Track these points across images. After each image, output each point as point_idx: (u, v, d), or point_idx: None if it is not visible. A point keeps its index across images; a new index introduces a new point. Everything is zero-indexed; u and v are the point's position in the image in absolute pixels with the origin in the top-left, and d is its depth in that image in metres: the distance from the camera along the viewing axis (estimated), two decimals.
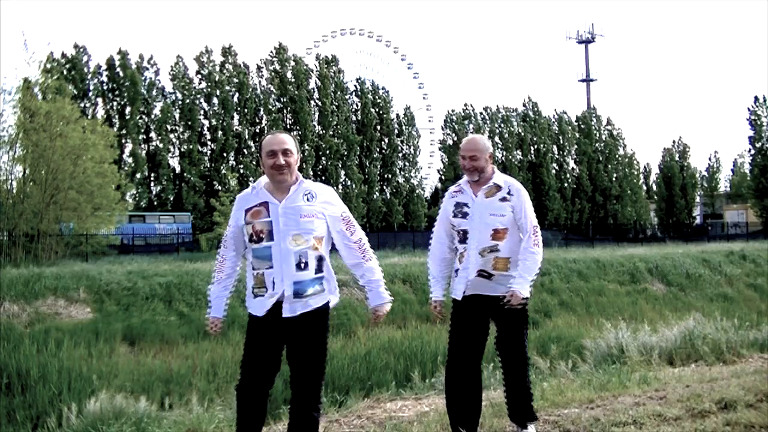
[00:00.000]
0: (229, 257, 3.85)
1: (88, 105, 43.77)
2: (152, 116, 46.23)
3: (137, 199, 44.49)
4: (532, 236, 4.28)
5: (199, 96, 47.32)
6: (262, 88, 50.01)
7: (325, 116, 50.50)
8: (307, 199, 3.71)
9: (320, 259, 3.69)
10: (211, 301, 3.88)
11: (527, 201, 4.36)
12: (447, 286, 4.50)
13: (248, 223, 3.69)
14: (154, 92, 46.55)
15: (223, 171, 45.89)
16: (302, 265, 3.62)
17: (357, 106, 54.33)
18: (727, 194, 74.42)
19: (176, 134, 46.86)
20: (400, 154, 55.24)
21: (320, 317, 3.70)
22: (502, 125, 59.59)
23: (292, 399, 3.77)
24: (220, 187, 42.18)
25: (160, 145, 45.64)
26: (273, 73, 50.19)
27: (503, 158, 58.48)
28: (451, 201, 4.45)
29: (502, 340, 4.36)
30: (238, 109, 47.94)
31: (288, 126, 49.52)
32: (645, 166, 71.26)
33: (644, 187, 69.28)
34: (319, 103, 51.07)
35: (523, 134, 59.69)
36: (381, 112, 54.76)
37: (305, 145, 48.43)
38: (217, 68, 48.17)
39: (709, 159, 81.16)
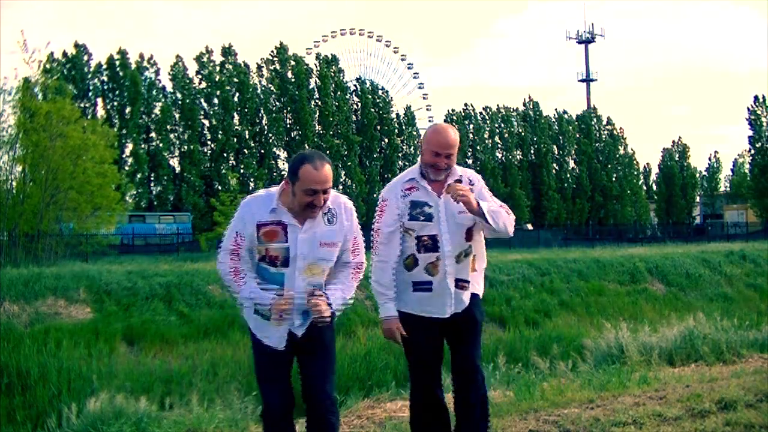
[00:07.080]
0: (245, 268, 3.42)
1: (88, 105, 43.75)
2: (152, 116, 46.20)
3: (137, 199, 44.49)
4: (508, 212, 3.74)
5: (199, 96, 47.30)
6: (263, 88, 49.98)
7: (326, 116, 50.46)
8: (329, 220, 3.40)
9: (326, 284, 3.47)
10: (256, 295, 3.36)
11: (484, 185, 3.83)
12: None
13: (261, 243, 3.36)
14: (154, 92, 46.54)
15: (223, 171, 45.91)
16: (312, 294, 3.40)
17: (357, 106, 54.32)
18: (727, 194, 74.36)
19: (176, 134, 46.84)
20: (400, 154, 55.24)
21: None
22: (502, 125, 59.57)
23: (311, 404, 3.50)
24: (220, 187, 42.18)
25: (160, 145, 45.63)
26: (273, 73, 50.16)
27: (503, 158, 58.49)
28: (404, 200, 3.69)
29: (457, 355, 3.79)
30: (239, 109, 47.90)
31: (288, 126, 49.50)
32: (645, 166, 71.22)
33: (644, 187, 69.23)
34: (320, 103, 51.04)
35: (523, 134, 59.67)
36: (381, 112, 54.73)
37: (305, 145, 48.41)
38: (217, 68, 48.14)
39: (709, 159, 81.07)
